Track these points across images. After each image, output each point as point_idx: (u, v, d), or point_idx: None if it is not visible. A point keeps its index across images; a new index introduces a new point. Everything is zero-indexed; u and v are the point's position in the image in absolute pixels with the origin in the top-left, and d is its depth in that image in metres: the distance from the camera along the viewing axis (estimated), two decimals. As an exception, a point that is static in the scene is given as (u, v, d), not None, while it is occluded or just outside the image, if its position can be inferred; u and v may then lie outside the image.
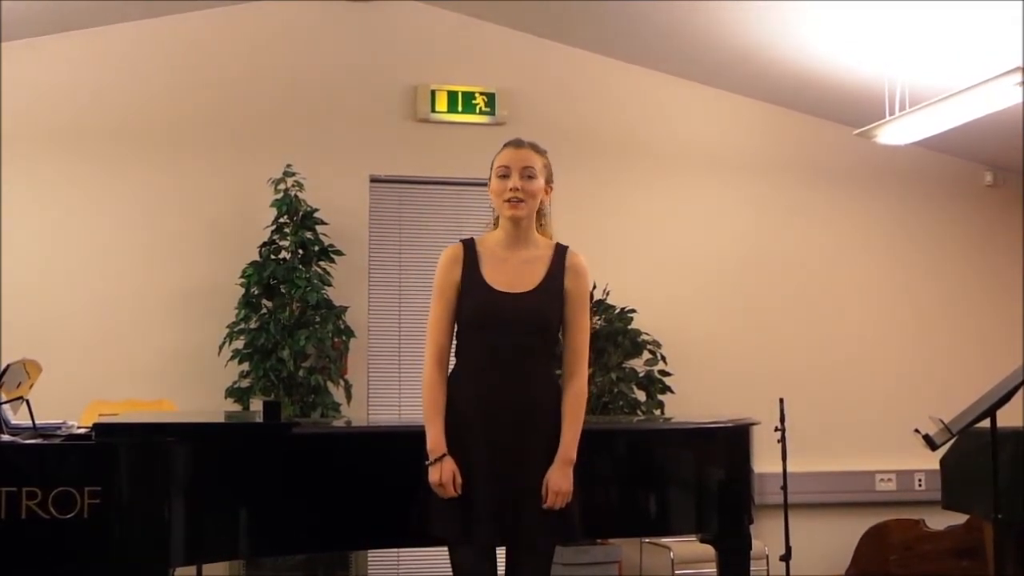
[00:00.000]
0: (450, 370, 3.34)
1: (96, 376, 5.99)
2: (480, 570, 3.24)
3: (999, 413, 4.00)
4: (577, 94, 6.97)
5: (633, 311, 6.48)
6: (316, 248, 6.18)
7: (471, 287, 3.29)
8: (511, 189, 3.28)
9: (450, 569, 3.28)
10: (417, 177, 6.77)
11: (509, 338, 3.25)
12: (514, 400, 3.22)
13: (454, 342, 3.36)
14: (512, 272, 3.31)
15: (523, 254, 3.34)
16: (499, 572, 3.29)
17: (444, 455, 3.18)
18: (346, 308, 6.21)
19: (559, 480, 3.19)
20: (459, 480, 3.16)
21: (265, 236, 6.17)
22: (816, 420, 6.65)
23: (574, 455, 3.24)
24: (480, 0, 6.61)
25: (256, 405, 5.85)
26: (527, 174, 3.30)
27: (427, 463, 3.20)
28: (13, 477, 3.12)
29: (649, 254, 6.95)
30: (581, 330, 3.36)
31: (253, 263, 6.12)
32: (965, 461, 4.92)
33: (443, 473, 3.15)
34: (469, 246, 3.36)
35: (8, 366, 3.64)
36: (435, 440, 3.21)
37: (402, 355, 6.62)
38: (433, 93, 6.72)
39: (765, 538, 5.69)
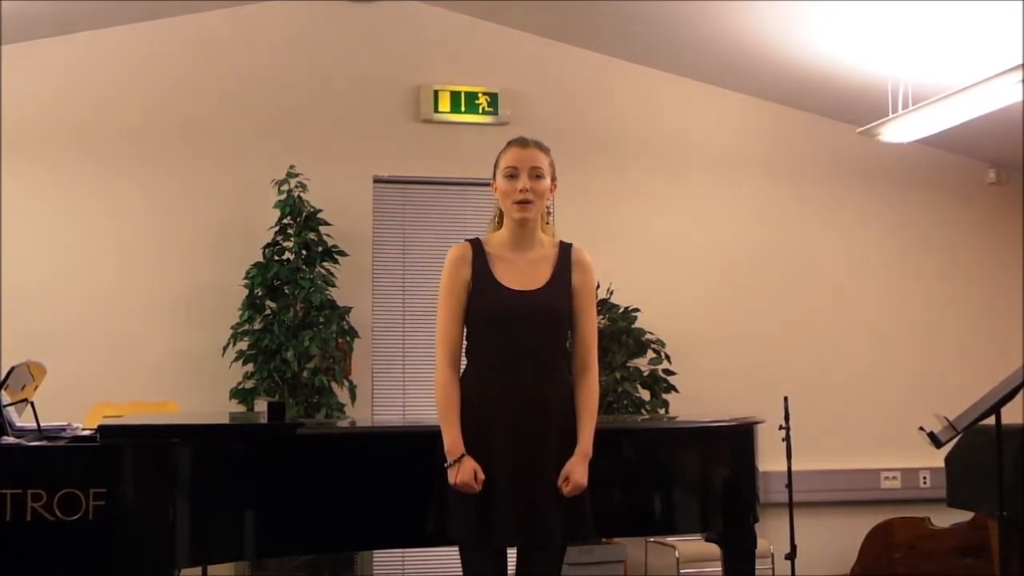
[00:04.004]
0: (462, 370, 3.33)
1: (100, 378, 6.00)
2: (493, 571, 3.24)
3: (1003, 410, 3.99)
4: (580, 94, 6.97)
5: (637, 310, 6.48)
6: (320, 249, 6.18)
7: (484, 287, 3.28)
8: (521, 190, 3.27)
9: (455, 568, 3.28)
10: (421, 177, 6.77)
11: (523, 337, 3.24)
12: (529, 398, 3.21)
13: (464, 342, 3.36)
14: (521, 272, 3.30)
15: (529, 254, 3.34)
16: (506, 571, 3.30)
17: (463, 456, 3.17)
18: (350, 309, 6.21)
19: (580, 475, 3.19)
20: (481, 477, 3.15)
21: (269, 237, 6.18)
22: (820, 418, 6.65)
23: (591, 449, 3.24)
24: (483, 0, 6.62)
25: (260, 406, 5.85)
26: (535, 174, 3.29)
27: (446, 465, 3.19)
28: (18, 479, 3.13)
29: (652, 253, 6.95)
30: (590, 325, 3.36)
31: (257, 264, 6.12)
32: (970, 459, 4.91)
33: (463, 474, 3.14)
34: (477, 246, 3.35)
35: (12, 368, 3.65)
36: (452, 442, 3.19)
37: (406, 355, 6.63)
38: (436, 93, 6.73)
39: (770, 537, 5.69)
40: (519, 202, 3.27)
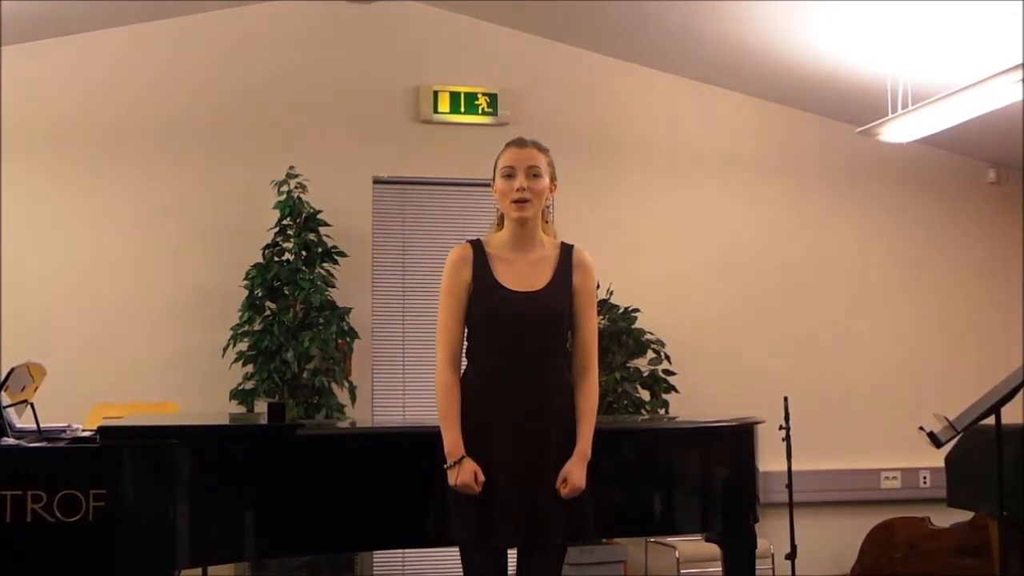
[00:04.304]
0: (462, 371, 3.33)
1: (100, 379, 5.99)
2: (493, 571, 3.24)
3: (1003, 410, 3.99)
4: (579, 94, 6.97)
5: (637, 311, 6.48)
6: (320, 250, 6.18)
7: (484, 288, 3.28)
8: (518, 189, 3.26)
9: (455, 568, 3.28)
10: (420, 178, 6.77)
11: (523, 337, 3.24)
12: (529, 399, 3.21)
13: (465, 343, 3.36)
14: (521, 273, 3.30)
15: (530, 255, 3.33)
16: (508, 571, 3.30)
17: (463, 457, 3.17)
18: (350, 309, 6.21)
19: (578, 477, 3.19)
20: (482, 479, 3.15)
21: (268, 238, 6.18)
22: (820, 418, 6.65)
23: (590, 451, 3.24)
24: (482, 1, 6.62)
25: (260, 407, 5.85)
26: (532, 173, 3.29)
27: (446, 467, 3.19)
28: (18, 480, 3.12)
29: (652, 253, 6.95)
30: (590, 326, 3.36)
31: (257, 265, 6.12)
32: (970, 458, 4.91)
33: (464, 475, 3.15)
34: (477, 247, 3.35)
35: (12, 369, 3.64)
36: (453, 443, 3.19)
37: (406, 356, 6.63)
38: (436, 94, 6.73)
39: (770, 537, 5.69)
40: (516, 201, 3.27)
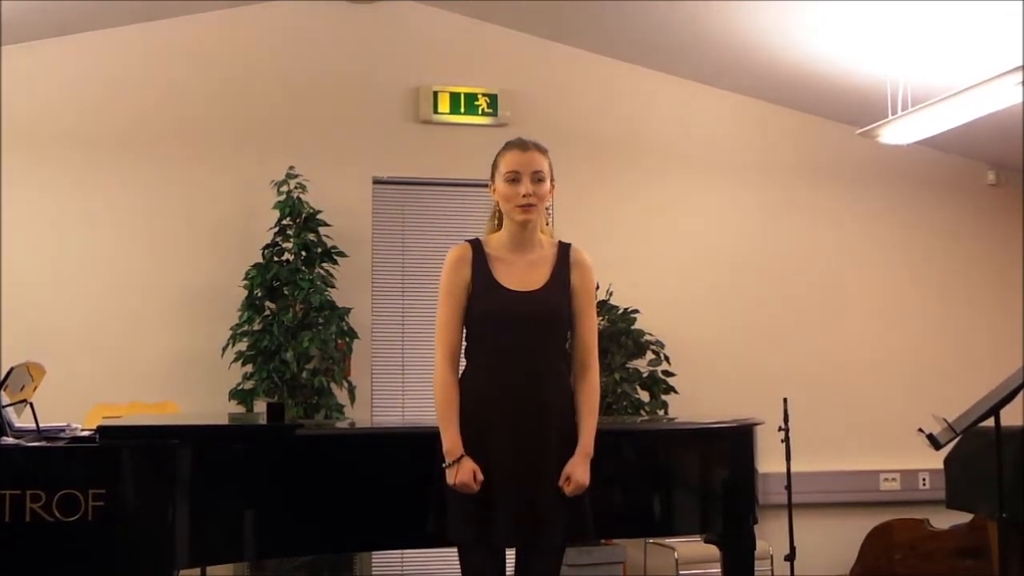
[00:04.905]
0: (460, 370, 3.33)
1: (100, 378, 6.00)
2: (492, 571, 3.23)
3: (1003, 412, 3.99)
4: (579, 95, 6.97)
5: (636, 311, 6.48)
6: (319, 250, 6.18)
7: (483, 288, 3.29)
8: (524, 195, 3.27)
9: (454, 568, 3.28)
10: (420, 178, 6.77)
11: (522, 337, 3.25)
12: (529, 399, 3.22)
13: (463, 342, 3.36)
14: (520, 272, 3.31)
15: (529, 255, 3.34)
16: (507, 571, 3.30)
17: (462, 456, 3.17)
18: (349, 310, 6.21)
19: (582, 474, 3.19)
20: (480, 477, 3.15)
21: (268, 238, 6.18)
22: (820, 420, 6.64)
23: (592, 448, 3.24)
24: (482, 1, 6.62)
25: (260, 407, 5.85)
26: (537, 178, 3.29)
27: (444, 466, 3.19)
28: (17, 480, 3.12)
29: (652, 254, 6.95)
30: (590, 325, 3.36)
31: (256, 265, 6.12)
32: (969, 460, 4.91)
33: (462, 474, 3.15)
34: (477, 247, 3.35)
35: (12, 369, 3.64)
36: (451, 442, 3.19)
37: (406, 356, 6.63)
38: (436, 94, 6.73)
39: (769, 538, 5.69)
40: (522, 206, 3.28)
